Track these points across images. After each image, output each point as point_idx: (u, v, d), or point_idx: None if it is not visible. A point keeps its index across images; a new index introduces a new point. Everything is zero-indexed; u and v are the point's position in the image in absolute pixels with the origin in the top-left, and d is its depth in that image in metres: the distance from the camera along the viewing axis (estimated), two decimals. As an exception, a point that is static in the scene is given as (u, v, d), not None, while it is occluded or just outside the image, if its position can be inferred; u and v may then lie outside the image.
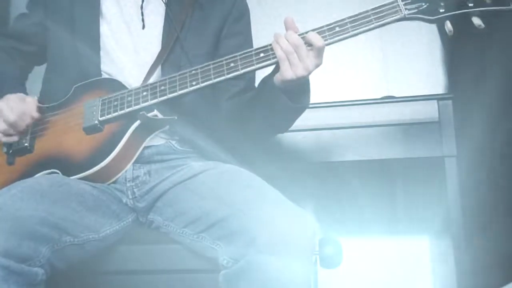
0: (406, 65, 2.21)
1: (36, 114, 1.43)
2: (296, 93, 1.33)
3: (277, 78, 1.30)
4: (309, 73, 1.28)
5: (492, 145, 1.81)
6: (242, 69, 1.31)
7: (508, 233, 1.77)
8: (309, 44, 1.27)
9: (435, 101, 1.80)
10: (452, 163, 1.75)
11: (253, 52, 1.31)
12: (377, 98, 1.91)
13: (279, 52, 1.27)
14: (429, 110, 1.80)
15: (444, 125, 1.77)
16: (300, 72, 1.26)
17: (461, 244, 1.73)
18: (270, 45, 1.31)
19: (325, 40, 1.28)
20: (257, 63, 1.31)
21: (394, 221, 2.18)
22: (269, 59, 1.30)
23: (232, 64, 1.31)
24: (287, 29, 1.30)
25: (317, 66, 1.28)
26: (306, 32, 1.29)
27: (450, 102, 1.79)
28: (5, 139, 1.43)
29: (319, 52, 1.27)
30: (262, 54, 1.31)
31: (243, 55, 1.31)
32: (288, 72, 1.27)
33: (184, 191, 1.34)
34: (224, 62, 1.32)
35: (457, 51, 2.00)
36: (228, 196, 1.23)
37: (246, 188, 1.25)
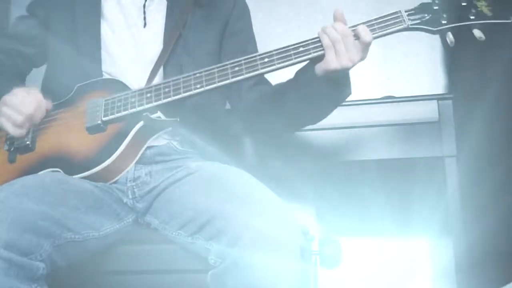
0: (406, 65, 2.21)
1: (49, 104, 1.44)
2: (337, 84, 1.32)
3: (320, 67, 1.30)
4: (353, 65, 1.28)
5: (492, 145, 1.81)
6: (246, 73, 1.31)
7: (508, 233, 1.77)
8: (356, 37, 1.28)
9: (435, 101, 1.81)
10: (452, 163, 1.75)
11: (257, 57, 1.32)
12: (377, 98, 1.91)
13: (325, 41, 1.27)
14: (429, 110, 1.80)
15: (444, 125, 1.77)
16: (345, 62, 1.26)
17: (461, 244, 1.73)
18: (274, 50, 1.31)
19: None
20: (262, 68, 1.31)
21: (394, 221, 2.18)
22: (273, 65, 1.30)
23: (236, 68, 1.31)
24: (335, 20, 1.30)
25: (362, 59, 1.29)
26: (353, 26, 1.29)
27: (450, 102, 1.79)
28: (15, 132, 1.41)
29: (366, 46, 1.27)
30: (266, 59, 1.31)
31: (248, 60, 1.32)
32: (333, 62, 1.26)
33: (178, 192, 1.35)
34: (228, 66, 1.32)
35: (458, 52, 2.00)
36: (216, 196, 1.23)
37: (234, 187, 1.25)
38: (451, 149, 1.76)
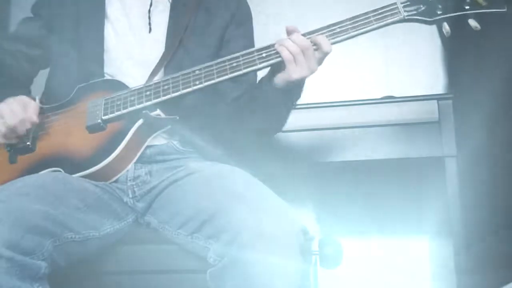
0: (406, 65, 2.21)
1: (36, 120, 1.43)
2: (293, 92, 1.36)
3: (281, 78, 1.32)
4: (312, 73, 1.30)
5: (492, 145, 1.81)
6: (244, 68, 1.32)
7: (507, 233, 1.77)
8: (315, 45, 1.29)
9: (435, 101, 1.80)
10: (452, 163, 1.75)
11: (255, 52, 1.32)
12: (377, 98, 1.91)
13: (285, 54, 1.29)
14: (429, 110, 1.80)
15: (444, 125, 1.77)
16: (305, 72, 1.29)
17: (461, 245, 1.73)
18: (272, 45, 1.32)
19: None
20: (260, 63, 1.32)
21: (394, 221, 2.18)
22: (272, 59, 1.31)
23: (234, 64, 1.33)
24: (290, 34, 1.31)
25: (319, 65, 1.31)
26: (310, 33, 1.31)
27: (450, 102, 1.79)
28: (3, 141, 1.43)
29: (325, 55, 1.30)
30: (264, 54, 1.32)
31: (245, 55, 1.33)
32: (295, 73, 1.29)
33: (178, 192, 1.35)
34: (227, 62, 1.33)
35: (457, 51, 2.01)
36: (216, 195, 1.23)
37: (234, 186, 1.25)
38: (451, 149, 1.76)
